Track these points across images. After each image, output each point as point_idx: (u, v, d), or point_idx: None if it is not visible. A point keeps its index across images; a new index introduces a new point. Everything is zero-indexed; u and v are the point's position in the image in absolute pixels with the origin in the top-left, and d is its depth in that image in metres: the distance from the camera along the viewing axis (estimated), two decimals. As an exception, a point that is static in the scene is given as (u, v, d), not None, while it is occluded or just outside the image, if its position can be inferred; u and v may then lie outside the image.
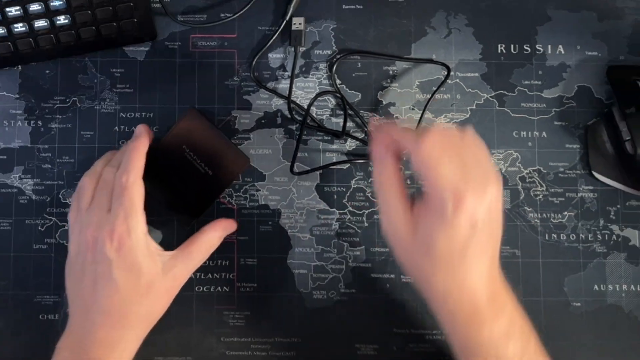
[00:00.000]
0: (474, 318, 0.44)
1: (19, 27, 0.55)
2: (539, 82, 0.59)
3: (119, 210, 0.48)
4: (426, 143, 0.42)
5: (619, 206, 0.58)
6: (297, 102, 0.58)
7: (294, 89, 0.58)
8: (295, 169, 0.57)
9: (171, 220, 0.56)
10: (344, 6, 0.59)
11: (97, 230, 0.47)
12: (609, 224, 0.58)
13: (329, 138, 0.58)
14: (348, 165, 0.57)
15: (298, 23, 0.58)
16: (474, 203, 0.41)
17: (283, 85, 0.58)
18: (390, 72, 0.59)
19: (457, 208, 0.41)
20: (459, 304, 0.44)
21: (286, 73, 0.58)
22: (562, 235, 0.58)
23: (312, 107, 0.58)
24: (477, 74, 0.59)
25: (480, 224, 0.41)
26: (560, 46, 0.60)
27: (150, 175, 0.51)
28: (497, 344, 0.44)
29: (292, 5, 0.58)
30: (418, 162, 0.42)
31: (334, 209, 0.58)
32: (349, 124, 0.58)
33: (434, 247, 0.42)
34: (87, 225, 0.48)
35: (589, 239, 0.58)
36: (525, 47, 0.60)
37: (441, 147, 0.42)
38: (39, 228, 0.56)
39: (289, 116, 0.57)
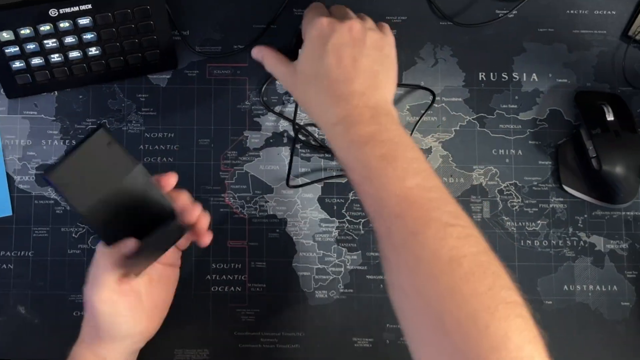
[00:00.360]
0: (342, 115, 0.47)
1: (55, 57, 0.59)
2: (515, 106, 0.64)
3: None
4: (310, 9, 0.53)
5: (586, 216, 0.62)
6: (301, 123, 0.63)
7: (298, 111, 0.63)
8: (291, 183, 0.61)
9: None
10: (342, 39, 0.65)
11: None
12: (577, 232, 0.62)
13: (330, 155, 0.63)
14: (346, 179, 0.62)
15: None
16: (330, 23, 0.49)
17: (289, 108, 0.63)
18: (384, 97, 0.64)
19: (313, 22, 0.49)
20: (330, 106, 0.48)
21: (291, 98, 0.63)
22: (535, 241, 0.62)
23: (313, 128, 0.63)
24: (460, 99, 0.64)
25: (334, 33, 0.49)
26: (534, 74, 0.64)
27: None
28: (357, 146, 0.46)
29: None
30: (303, 26, 0.53)
31: (334, 218, 0.62)
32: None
33: (300, 61, 0.51)
34: None
35: (560, 244, 0.62)
36: (503, 75, 0.64)
37: (318, 4, 0.54)
38: (73, 235, 0.61)
39: (294, 136, 0.62)
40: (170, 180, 0.50)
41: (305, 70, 0.50)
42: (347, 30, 0.49)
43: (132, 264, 0.48)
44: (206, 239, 0.51)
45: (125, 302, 0.49)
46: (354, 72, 0.48)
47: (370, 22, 0.52)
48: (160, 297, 0.54)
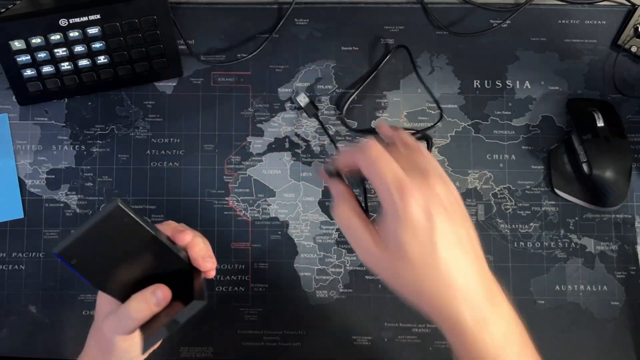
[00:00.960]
0: (467, 319, 0.39)
1: (65, 66, 0.61)
2: (509, 113, 0.65)
3: None
4: (368, 149, 0.41)
5: (577, 218, 0.64)
6: (303, 129, 0.64)
7: (299, 117, 0.64)
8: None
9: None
10: (342, 48, 0.65)
11: None
12: (568, 234, 0.63)
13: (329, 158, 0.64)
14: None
15: (302, 99, 0.63)
16: (419, 193, 0.39)
17: (290, 115, 0.65)
18: (382, 104, 0.65)
19: (404, 198, 0.38)
20: (450, 305, 0.39)
21: (293, 105, 0.65)
22: (528, 243, 0.63)
23: (314, 134, 0.64)
24: (456, 106, 0.65)
25: (436, 216, 0.39)
26: (527, 82, 0.65)
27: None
28: (497, 348, 0.39)
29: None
30: (364, 169, 0.41)
31: (334, 221, 0.63)
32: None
33: (403, 249, 0.39)
34: None
35: (552, 246, 0.63)
36: (497, 83, 0.66)
37: (385, 152, 0.41)
38: (82, 237, 0.63)
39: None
40: (186, 238, 0.48)
41: (410, 257, 0.39)
42: (446, 205, 0.40)
43: (147, 330, 0.46)
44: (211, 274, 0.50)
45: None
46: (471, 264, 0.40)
47: (439, 168, 0.43)
48: None
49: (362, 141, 0.42)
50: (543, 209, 0.64)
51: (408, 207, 0.38)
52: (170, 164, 0.64)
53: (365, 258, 0.42)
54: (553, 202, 0.64)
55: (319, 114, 0.64)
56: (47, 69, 0.61)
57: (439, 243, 0.39)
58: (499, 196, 0.64)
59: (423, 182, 0.39)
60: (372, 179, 0.40)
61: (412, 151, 0.43)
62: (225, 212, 0.63)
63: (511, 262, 0.63)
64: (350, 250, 0.63)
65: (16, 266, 0.62)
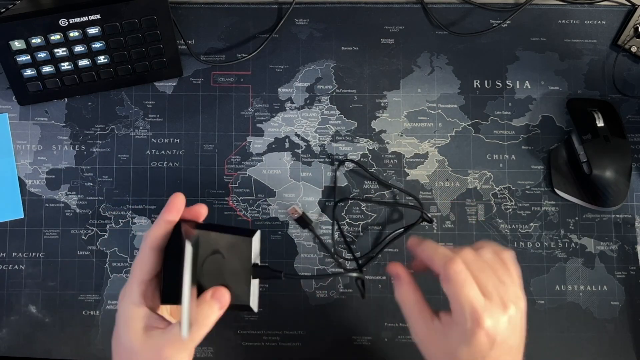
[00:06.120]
0: None
1: (65, 65, 0.60)
2: (509, 113, 0.64)
3: (130, 275, 0.45)
4: (453, 267, 0.42)
5: (577, 218, 0.62)
6: (302, 129, 0.63)
7: (299, 117, 0.63)
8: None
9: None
10: (342, 48, 0.64)
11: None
12: (568, 234, 0.62)
13: (329, 161, 0.63)
14: (347, 182, 0.62)
15: (297, 210, 0.61)
16: (491, 322, 0.41)
17: (290, 115, 0.64)
18: (382, 104, 0.64)
19: (475, 328, 0.41)
20: None
21: (293, 105, 0.64)
22: (528, 243, 0.62)
23: (314, 134, 0.63)
24: (456, 106, 0.64)
25: (499, 340, 0.41)
26: (527, 82, 0.64)
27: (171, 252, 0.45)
28: None
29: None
30: (445, 283, 0.43)
31: (333, 221, 0.62)
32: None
33: (457, 357, 0.42)
34: None
35: (552, 246, 0.62)
36: (497, 83, 0.64)
37: (466, 271, 0.42)
38: (82, 237, 0.61)
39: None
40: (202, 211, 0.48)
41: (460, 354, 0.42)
42: (511, 330, 0.43)
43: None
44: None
45: None
46: None
47: (518, 288, 0.45)
48: None
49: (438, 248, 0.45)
50: (543, 209, 0.63)
51: (475, 335, 0.41)
52: (170, 164, 0.63)
53: (417, 338, 0.45)
54: (553, 202, 0.63)
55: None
56: (47, 69, 0.60)
57: None
58: (499, 196, 0.63)
59: (498, 310, 0.42)
60: (449, 295, 0.42)
61: (498, 263, 0.44)
62: (226, 212, 0.62)
63: (511, 262, 0.62)
64: (350, 251, 0.62)
65: (16, 266, 0.61)
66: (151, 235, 0.44)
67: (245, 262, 0.44)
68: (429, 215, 0.61)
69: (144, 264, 0.44)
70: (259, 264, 0.46)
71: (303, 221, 0.61)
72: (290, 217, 0.62)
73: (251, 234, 0.44)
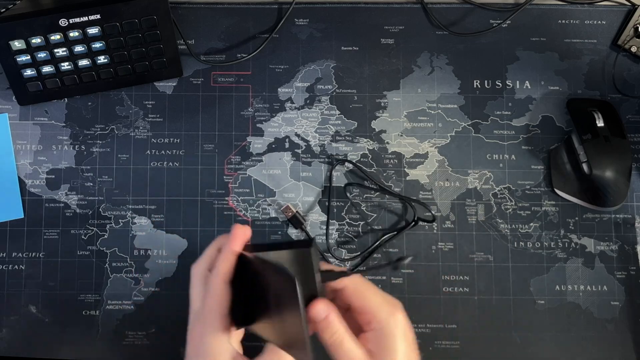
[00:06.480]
0: None
1: (65, 65, 0.60)
2: (509, 113, 0.64)
3: (201, 311, 0.44)
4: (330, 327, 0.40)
5: (577, 218, 0.62)
6: (302, 129, 0.63)
7: (299, 117, 0.63)
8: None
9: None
10: (342, 48, 0.64)
11: (190, 323, 0.45)
12: (568, 234, 0.62)
13: (329, 161, 0.63)
14: (346, 182, 0.62)
15: (291, 209, 0.61)
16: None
17: (290, 115, 0.63)
18: (382, 104, 0.64)
19: (397, 312, 0.41)
20: None
21: (293, 105, 0.64)
22: (528, 243, 0.62)
23: (314, 134, 0.63)
24: (456, 106, 0.64)
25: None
26: (527, 82, 0.64)
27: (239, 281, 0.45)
28: None
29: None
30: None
31: (334, 221, 0.62)
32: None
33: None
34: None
35: (552, 246, 0.62)
36: (497, 83, 0.64)
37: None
38: (82, 237, 0.61)
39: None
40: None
41: None
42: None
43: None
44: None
45: None
46: None
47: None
48: None
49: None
50: (543, 209, 0.63)
51: (401, 320, 0.41)
52: (170, 164, 0.63)
53: None
54: (553, 202, 0.63)
55: (304, 226, 0.63)
56: (47, 69, 0.60)
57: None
58: (499, 196, 0.63)
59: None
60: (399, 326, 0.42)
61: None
62: (225, 212, 0.62)
63: (511, 262, 0.62)
64: (351, 250, 0.62)
65: (16, 266, 0.61)
66: (223, 271, 0.43)
67: (310, 271, 0.42)
68: (424, 216, 0.62)
69: (221, 299, 0.43)
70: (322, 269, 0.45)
71: (296, 221, 0.61)
72: (284, 216, 0.62)
73: (308, 244, 0.43)
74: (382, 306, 0.42)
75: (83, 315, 0.61)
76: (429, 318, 0.61)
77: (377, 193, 0.63)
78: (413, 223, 0.62)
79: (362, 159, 0.63)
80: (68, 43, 0.59)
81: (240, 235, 0.44)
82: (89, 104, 0.63)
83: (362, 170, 0.63)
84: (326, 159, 0.63)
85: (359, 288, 0.43)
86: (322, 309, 0.40)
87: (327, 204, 0.62)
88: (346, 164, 0.63)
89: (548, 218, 0.62)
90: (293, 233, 0.62)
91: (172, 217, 0.62)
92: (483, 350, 0.61)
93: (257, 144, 0.63)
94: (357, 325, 0.43)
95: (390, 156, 0.63)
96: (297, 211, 0.61)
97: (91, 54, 0.60)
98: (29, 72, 0.60)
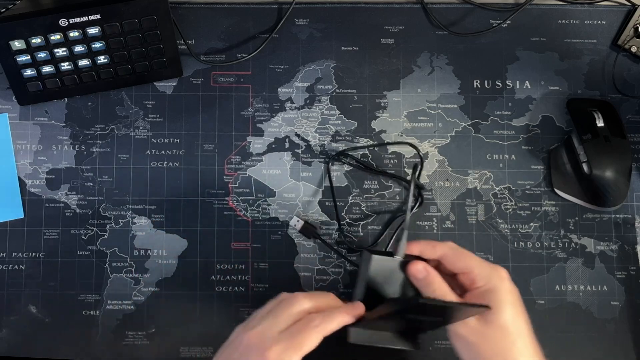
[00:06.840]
0: None
1: (65, 66, 0.60)
2: (509, 113, 0.64)
3: (287, 339, 0.43)
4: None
5: (577, 218, 0.62)
6: (302, 129, 0.63)
7: (299, 117, 0.63)
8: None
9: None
10: (342, 48, 0.64)
11: (258, 337, 0.44)
12: (568, 234, 0.62)
13: (328, 161, 0.63)
14: (346, 183, 0.62)
15: (297, 223, 0.61)
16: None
17: (290, 115, 0.63)
18: (382, 104, 0.64)
19: (504, 276, 0.46)
20: None
21: (293, 105, 0.64)
22: (528, 243, 0.62)
23: (314, 134, 0.63)
24: (456, 106, 0.64)
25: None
26: (527, 82, 0.64)
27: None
28: None
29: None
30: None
31: (334, 221, 0.62)
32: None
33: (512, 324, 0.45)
34: (255, 326, 0.45)
35: (552, 246, 0.62)
36: (497, 83, 0.64)
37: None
38: (82, 237, 0.61)
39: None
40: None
41: (512, 327, 0.46)
42: None
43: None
44: None
45: None
46: None
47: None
48: None
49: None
50: (543, 209, 0.63)
51: (507, 282, 0.46)
52: (170, 164, 0.62)
53: (466, 337, 0.46)
54: (553, 202, 0.63)
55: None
56: (47, 69, 0.60)
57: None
58: (499, 196, 0.63)
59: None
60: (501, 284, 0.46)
61: None
62: (225, 212, 0.62)
63: (511, 262, 0.62)
64: (351, 250, 0.62)
65: (16, 266, 0.61)
66: (328, 330, 0.45)
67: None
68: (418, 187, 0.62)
69: (310, 347, 0.44)
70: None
71: (308, 231, 0.61)
72: (296, 229, 0.62)
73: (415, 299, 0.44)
74: (483, 263, 0.46)
75: (83, 315, 0.61)
76: (429, 318, 0.61)
77: (378, 193, 0.62)
78: (419, 202, 0.62)
79: (362, 159, 0.63)
80: (68, 43, 0.59)
81: (357, 315, 0.47)
82: (89, 104, 0.63)
83: (358, 160, 0.63)
84: (326, 159, 0.63)
85: (457, 252, 0.47)
86: (421, 267, 0.46)
87: (330, 204, 0.62)
88: (346, 164, 0.63)
89: (548, 218, 0.62)
90: (302, 235, 0.62)
91: (172, 217, 0.62)
92: (483, 350, 0.60)
93: (257, 144, 0.63)
94: (462, 288, 0.47)
95: (390, 156, 0.63)
96: (305, 221, 0.61)
97: (91, 54, 0.60)
98: (29, 72, 0.60)
